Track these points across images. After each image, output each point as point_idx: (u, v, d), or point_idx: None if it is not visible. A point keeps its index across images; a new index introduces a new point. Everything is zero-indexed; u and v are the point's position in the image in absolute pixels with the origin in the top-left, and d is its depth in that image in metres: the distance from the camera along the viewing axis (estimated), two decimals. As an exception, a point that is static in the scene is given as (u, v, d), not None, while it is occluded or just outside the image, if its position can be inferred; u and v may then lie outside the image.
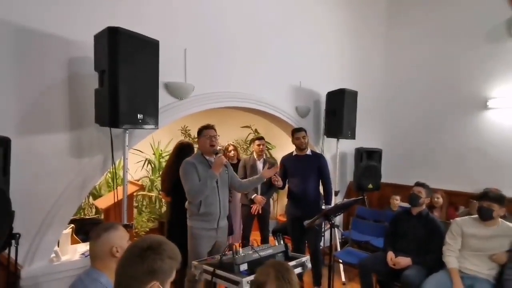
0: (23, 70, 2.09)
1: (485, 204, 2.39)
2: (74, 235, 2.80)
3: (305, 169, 3.25)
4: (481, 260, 2.41)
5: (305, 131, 3.32)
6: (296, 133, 3.30)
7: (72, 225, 2.73)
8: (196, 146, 3.30)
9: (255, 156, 3.77)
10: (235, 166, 3.84)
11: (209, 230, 2.44)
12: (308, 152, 3.32)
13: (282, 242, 2.34)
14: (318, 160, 3.30)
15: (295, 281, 1.34)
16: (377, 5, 5.02)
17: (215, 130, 2.55)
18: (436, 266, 2.54)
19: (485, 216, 2.39)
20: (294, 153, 3.36)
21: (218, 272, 2.03)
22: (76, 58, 2.27)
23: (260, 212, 3.59)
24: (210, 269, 2.08)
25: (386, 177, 4.52)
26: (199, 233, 2.42)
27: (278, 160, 5.20)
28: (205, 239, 2.43)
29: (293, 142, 3.32)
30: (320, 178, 3.28)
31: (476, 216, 2.49)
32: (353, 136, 4.05)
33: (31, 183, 2.13)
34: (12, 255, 1.96)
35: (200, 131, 2.55)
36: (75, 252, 2.52)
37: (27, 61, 2.10)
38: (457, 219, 2.62)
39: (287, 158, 3.41)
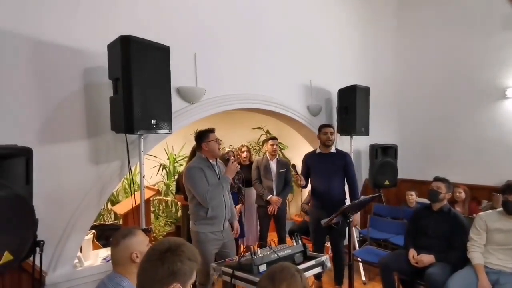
0: (41, 82, 2.15)
1: (510, 197, 2.31)
2: (96, 241, 2.86)
3: (330, 167, 3.11)
4: (507, 254, 2.34)
5: (334, 128, 3.22)
6: (324, 128, 3.18)
7: (93, 231, 2.79)
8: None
9: (268, 157, 3.74)
10: (247, 168, 3.84)
11: (216, 233, 2.48)
12: (333, 150, 3.20)
13: (300, 242, 2.32)
14: (343, 159, 3.15)
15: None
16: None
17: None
18: (460, 262, 2.47)
19: (511, 209, 2.32)
20: (318, 150, 3.24)
21: (237, 273, 2.04)
22: (91, 68, 2.33)
23: (275, 212, 3.57)
24: (229, 270, 2.09)
25: (403, 173, 4.42)
26: (207, 236, 2.45)
27: (293, 160, 5.21)
28: (212, 242, 2.47)
29: (319, 138, 3.20)
30: (346, 178, 3.15)
31: (501, 209, 2.42)
32: (366, 133, 3.98)
33: (52, 190, 2.19)
34: (37, 262, 2.02)
35: (205, 135, 2.49)
36: (97, 257, 2.57)
37: (44, 73, 2.17)
38: (481, 213, 2.54)
39: (310, 156, 3.28)
